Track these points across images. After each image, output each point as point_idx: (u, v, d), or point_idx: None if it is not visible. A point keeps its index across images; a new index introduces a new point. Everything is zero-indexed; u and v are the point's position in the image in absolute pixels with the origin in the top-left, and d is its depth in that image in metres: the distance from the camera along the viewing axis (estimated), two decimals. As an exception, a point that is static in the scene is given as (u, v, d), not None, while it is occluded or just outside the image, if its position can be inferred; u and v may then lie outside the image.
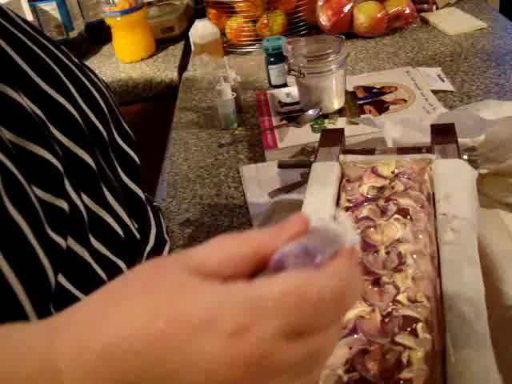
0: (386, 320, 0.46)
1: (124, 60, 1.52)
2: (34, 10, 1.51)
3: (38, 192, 0.44)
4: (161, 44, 1.57)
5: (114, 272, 0.52)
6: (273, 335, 0.28)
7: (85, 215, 0.49)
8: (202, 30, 1.35)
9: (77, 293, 0.46)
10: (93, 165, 0.51)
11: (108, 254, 0.52)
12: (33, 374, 0.29)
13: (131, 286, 0.31)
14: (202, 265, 0.31)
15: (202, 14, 1.36)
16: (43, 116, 0.48)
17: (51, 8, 1.50)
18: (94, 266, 0.49)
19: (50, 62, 0.51)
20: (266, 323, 0.28)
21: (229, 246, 0.32)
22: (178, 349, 0.28)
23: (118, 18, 1.44)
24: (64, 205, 0.46)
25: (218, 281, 0.30)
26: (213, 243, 0.32)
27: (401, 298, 0.47)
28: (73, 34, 1.55)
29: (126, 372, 0.28)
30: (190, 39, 1.39)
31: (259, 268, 0.32)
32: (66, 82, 0.52)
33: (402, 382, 0.41)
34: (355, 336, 0.45)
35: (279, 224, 0.33)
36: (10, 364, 0.29)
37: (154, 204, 0.70)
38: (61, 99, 0.50)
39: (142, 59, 1.52)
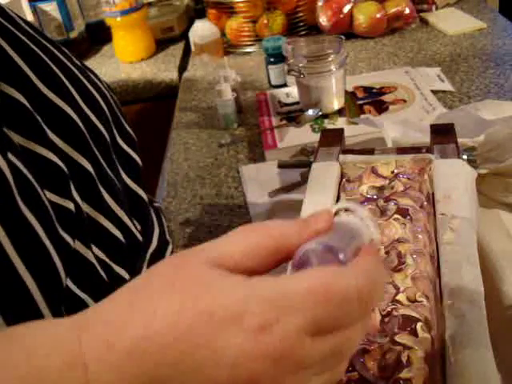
0: (386, 320, 0.46)
1: (124, 60, 1.52)
2: (34, 10, 1.51)
3: (47, 193, 0.44)
4: (161, 44, 1.57)
5: (116, 280, 0.52)
6: (298, 331, 0.28)
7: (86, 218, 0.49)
8: (202, 30, 1.35)
9: (83, 296, 0.46)
10: (90, 169, 0.51)
11: (108, 260, 0.51)
12: (61, 368, 0.29)
13: (155, 283, 0.31)
14: (225, 258, 0.31)
15: (201, 14, 1.36)
16: (40, 119, 0.48)
17: (51, 8, 1.50)
18: (99, 268, 0.49)
19: (51, 64, 0.51)
20: (291, 319, 0.28)
21: (252, 238, 0.32)
22: (203, 344, 0.28)
23: (118, 18, 1.44)
24: (71, 205, 0.46)
25: (242, 275, 0.30)
26: (235, 235, 0.32)
27: (400, 297, 0.47)
28: (73, 34, 1.55)
29: (152, 368, 0.29)
30: (190, 39, 1.39)
31: (281, 261, 0.32)
32: (68, 84, 0.52)
33: (401, 381, 0.41)
34: (355, 336, 0.45)
35: (304, 218, 0.33)
36: (37, 359, 0.29)
37: (155, 205, 0.70)
38: (60, 102, 0.49)
39: (142, 59, 1.52)
